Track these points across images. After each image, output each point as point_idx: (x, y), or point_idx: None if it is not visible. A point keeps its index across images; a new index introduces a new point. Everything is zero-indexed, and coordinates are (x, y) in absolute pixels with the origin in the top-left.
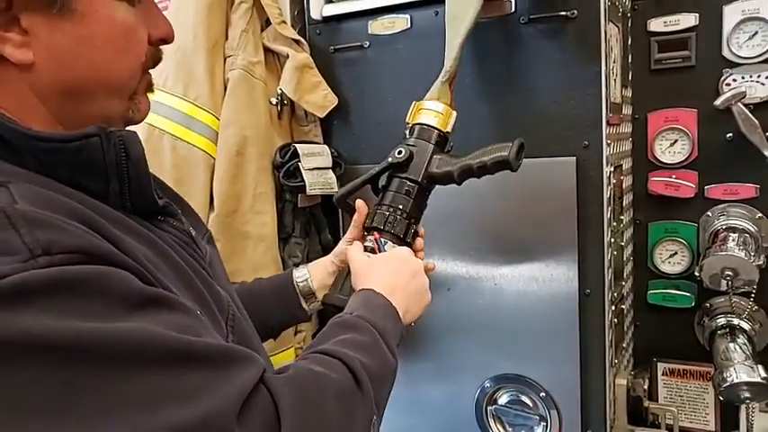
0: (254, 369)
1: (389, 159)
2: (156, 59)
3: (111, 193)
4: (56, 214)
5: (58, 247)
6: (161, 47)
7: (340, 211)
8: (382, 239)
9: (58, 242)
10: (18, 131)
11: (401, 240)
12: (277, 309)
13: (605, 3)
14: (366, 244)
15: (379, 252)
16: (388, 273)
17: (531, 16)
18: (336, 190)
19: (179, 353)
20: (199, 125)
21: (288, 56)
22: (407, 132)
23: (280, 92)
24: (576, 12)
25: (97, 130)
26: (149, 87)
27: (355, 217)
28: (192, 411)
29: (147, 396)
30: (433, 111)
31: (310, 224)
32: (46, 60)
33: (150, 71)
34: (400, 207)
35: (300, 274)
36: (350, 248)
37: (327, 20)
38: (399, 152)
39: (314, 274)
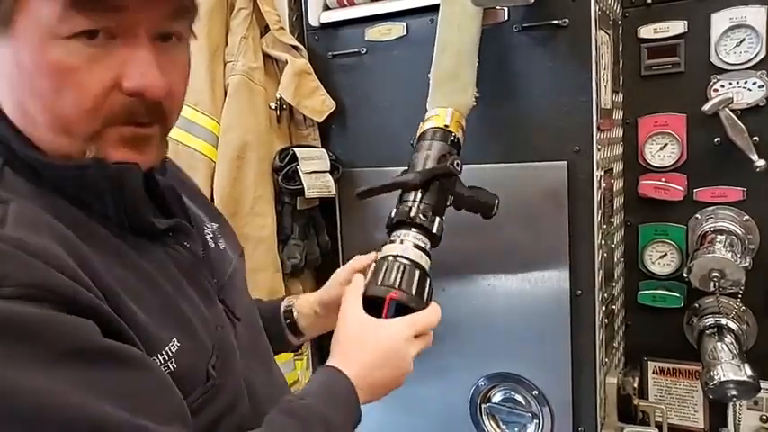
0: None
1: (450, 169)
2: (130, 111)
3: (110, 215)
4: (34, 237)
5: (12, 280)
6: (153, 99)
7: (338, 213)
8: (393, 302)
9: (13, 276)
10: (30, 156)
11: (430, 233)
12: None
13: (596, 12)
14: (389, 251)
15: (386, 316)
16: (371, 361)
17: (524, 24)
18: (334, 193)
19: (79, 426)
20: (199, 129)
21: (286, 61)
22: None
23: (279, 97)
24: (567, 20)
25: (92, 162)
26: (125, 142)
27: (354, 264)
28: None
29: None
30: None
31: (309, 226)
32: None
33: (129, 125)
34: (429, 203)
35: (287, 306)
36: (348, 297)
37: (325, 26)
38: (458, 163)
39: (300, 310)
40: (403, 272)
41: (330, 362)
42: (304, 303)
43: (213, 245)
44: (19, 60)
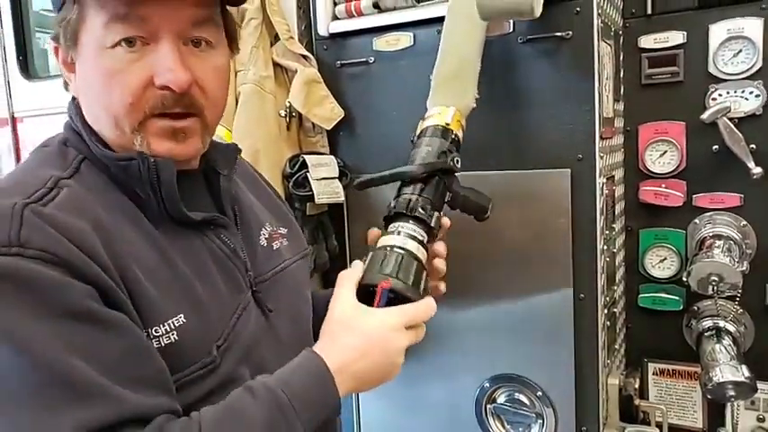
0: (100, 411)
1: (450, 165)
2: (163, 103)
3: (151, 203)
4: (69, 216)
5: (33, 244)
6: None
7: (345, 218)
8: (385, 291)
9: (36, 242)
10: (99, 152)
11: (428, 227)
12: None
13: (598, 24)
14: (386, 241)
15: (378, 305)
16: (356, 347)
17: (529, 36)
18: (343, 199)
19: (50, 372)
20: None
21: (296, 70)
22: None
23: (288, 104)
24: (570, 33)
25: (136, 155)
26: (164, 133)
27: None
28: (31, 416)
29: (16, 382)
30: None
31: (318, 231)
32: (80, 92)
33: (166, 119)
34: (428, 197)
35: None
36: (341, 283)
37: (334, 36)
38: (458, 161)
39: None
40: (400, 262)
41: (315, 346)
42: None
43: (265, 244)
44: (83, 70)
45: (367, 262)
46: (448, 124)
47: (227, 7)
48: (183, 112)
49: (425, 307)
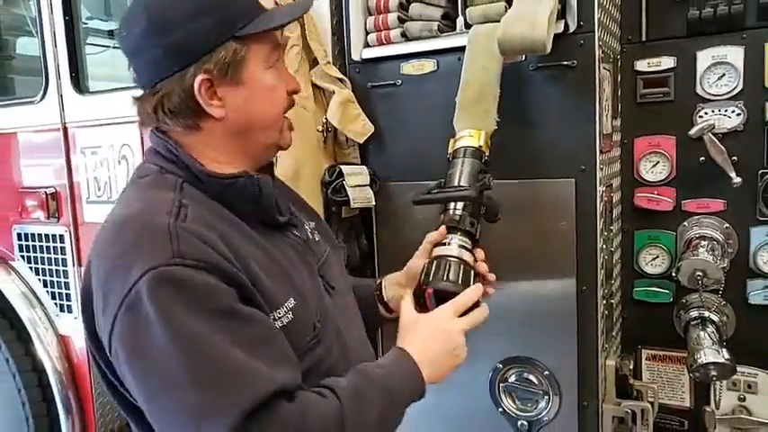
0: (255, 390)
1: (488, 185)
2: (289, 105)
3: (249, 213)
4: (203, 229)
5: (191, 255)
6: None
7: (374, 220)
8: (434, 296)
9: (192, 253)
10: (202, 172)
11: (473, 237)
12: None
13: (599, 54)
14: (444, 251)
15: (430, 309)
16: (425, 337)
17: (539, 65)
18: (374, 203)
19: (213, 360)
20: None
21: (333, 91)
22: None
23: (325, 121)
24: (575, 62)
25: (243, 173)
26: (289, 126)
27: (435, 236)
28: (195, 398)
29: (185, 367)
30: None
31: (351, 231)
32: (232, 113)
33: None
34: (471, 212)
35: (378, 281)
36: (403, 301)
37: (366, 61)
38: (491, 179)
39: (388, 282)
40: (460, 271)
41: (399, 344)
42: (391, 277)
43: (311, 237)
44: (250, 94)
45: (433, 269)
46: (480, 147)
47: None
48: None
49: (469, 293)
